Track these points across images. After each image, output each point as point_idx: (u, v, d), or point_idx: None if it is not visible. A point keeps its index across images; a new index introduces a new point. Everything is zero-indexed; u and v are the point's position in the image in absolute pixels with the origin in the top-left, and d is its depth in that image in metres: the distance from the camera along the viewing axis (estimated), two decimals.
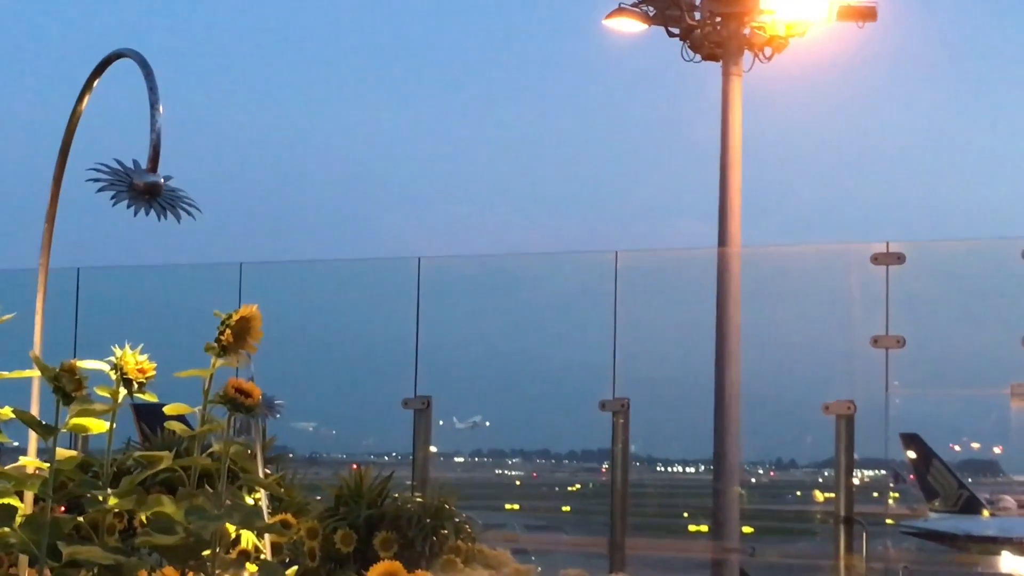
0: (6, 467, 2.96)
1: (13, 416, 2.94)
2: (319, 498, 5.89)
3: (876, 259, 7.71)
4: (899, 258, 7.60)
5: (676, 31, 14.30)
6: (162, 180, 2.86)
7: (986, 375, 8.42)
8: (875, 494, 9.57)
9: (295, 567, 3.87)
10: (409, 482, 7.50)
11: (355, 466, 6.38)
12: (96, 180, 2.83)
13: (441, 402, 8.49)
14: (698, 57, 14.35)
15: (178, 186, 2.90)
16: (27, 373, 3.04)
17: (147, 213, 2.83)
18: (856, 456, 7.46)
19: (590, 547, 9.21)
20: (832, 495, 7.61)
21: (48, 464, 2.83)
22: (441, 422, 8.74)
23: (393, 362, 9.32)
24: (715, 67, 14.07)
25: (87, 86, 2.97)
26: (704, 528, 13.85)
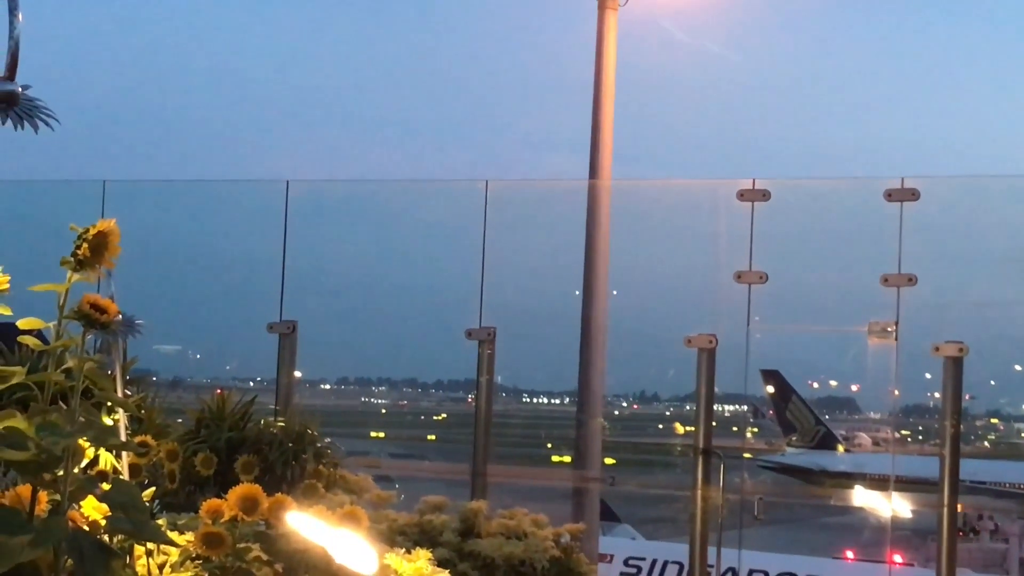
0: None
1: None
2: (180, 421, 5.72)
3: (742, 195, 7.66)
4: (764, 195, 7.50)
5: None
6: (20, 89, 2.83)
7: (846, 313, 8.47)
8: (734, 428, 9.85)
9: (153, 488, 3.90)
10: (273, 407, 7.27)
11: (219, 391, 6.23)
12: None
13: (306, 328, 8.24)
14: None
15: (36, 96, 2.83)
16: None
17: (3, 123, 2.76)
18: (716, 390, 7.44)
19: (453, 475, 9.06)
20: (692, 428, 7.60)
21: None
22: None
23: (260, 287, 8.98)
24: (588, 2, 14.08)
25: None
26: (567, 459, 14.23)
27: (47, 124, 2.84)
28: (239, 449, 5.50)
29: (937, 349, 6.63)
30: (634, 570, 15.62)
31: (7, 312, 2.92)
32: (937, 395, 6.75)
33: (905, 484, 9.55)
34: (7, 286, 2.90)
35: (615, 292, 11.45)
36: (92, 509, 3.04)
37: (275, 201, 8.55)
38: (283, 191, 8.52)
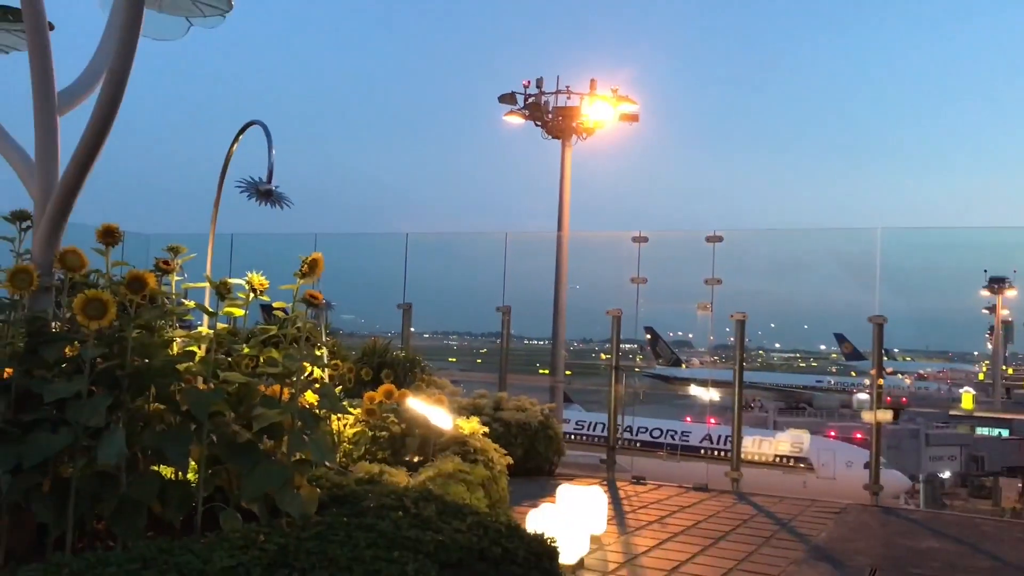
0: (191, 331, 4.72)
1: (194, 306, 4.71)
2: (353, 353, 8.50)
3: (633, 239, 12.24)
4: (644, 239, 12.15)
5: (539, 123, 26.62)
6: (274, 187, 4.70)
7: (686, 296, 13.15)
8: (631, 356, 15.14)
9: (340, 386, 5.84)
10: (400, 346, 11.44)
11: (373, 338, 10.08)
12: (239, 186, 4.62)
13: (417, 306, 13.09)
14: (549, 137, 26.29)
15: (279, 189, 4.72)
16: (203, 284, 4.87)
17: (265, 206, 4.68)
18: (622, 336, 11.89)
19: (489, 380, 13.37)
20: (610, 356, 11.72)
21: (213, 330, 4.53)
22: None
23: (394, 283, 13.66)
24: (557, 143, 25.74)
25: (235, 139, 4.82)
26: (546, 371, 22.04)
27: (289, 204, 4.70)
28: (383, 366, 8.04)
29: (732, 316, 10.84)
30: (581, 427, 26.30)
31: (266, 299, 4.72)
32: (732, 339, 11.08)
33: (715, 384, 19.80)
34: (267, 285, 4.62)
35: (577, 286, 19.73)
36: (310, 395, 4.68)
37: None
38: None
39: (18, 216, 4.26)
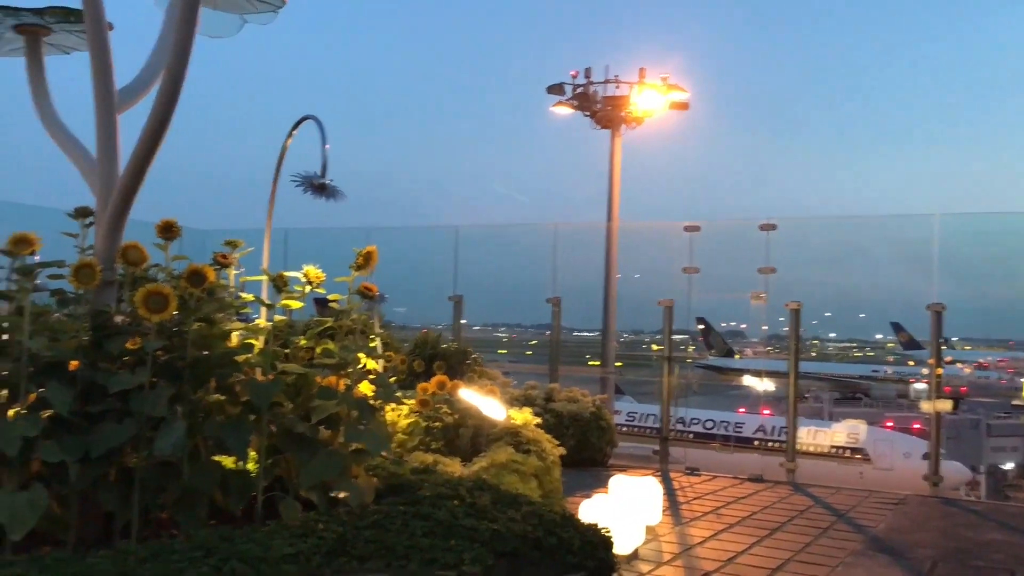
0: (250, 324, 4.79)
1: (252, 299, 4.80)
2: (406, 344, 8.62)
3: (685, 228, 12.14)
4: (697, 228, 11.97)
5: (588, 113, 26.68)
6: (328, 181, 4.75)
7: (739, 286, 13.20)
8: (683, 347, 15.18)
9: (393, 378, 5.83)
10: (451, 337, 11.64)
11: (424, 330, 10.51)
12: (294, 180, 4.69)
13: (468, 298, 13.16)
14: (598, 127, 26.45)
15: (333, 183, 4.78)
16: (260, 277, 4.96)
17: (321, 199, 4.74)
18: (673, 327, 11.87)
19: (540, 371, 13.19)
20: (661, 347, 11.73)
21: (270, 322, 4.64)
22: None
23: (443, 276, 13.74)
24: (606, 133, 26.14)
25: (289, 134, 4.90)
26: (597, 363, 22.08)
27: (344, 198, 4.74)
28: (435, 358, 8.11)
29: (786, 305, 10.74)
30: (632, 419, 26.29)
31: (322, 291, 4.75)
32: (786, 329, 10.83)
33: (769, 374, 20.77)
34: (324, 278, 4.63)
35: (637, 276, 18.76)
36: (365, 387, 4.70)
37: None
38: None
39: (81, 212, 4.36)
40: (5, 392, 3.72)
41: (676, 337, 12.08)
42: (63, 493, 3.74)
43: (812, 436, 26.86)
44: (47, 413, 3.73)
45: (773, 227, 11.22)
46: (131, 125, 4.36)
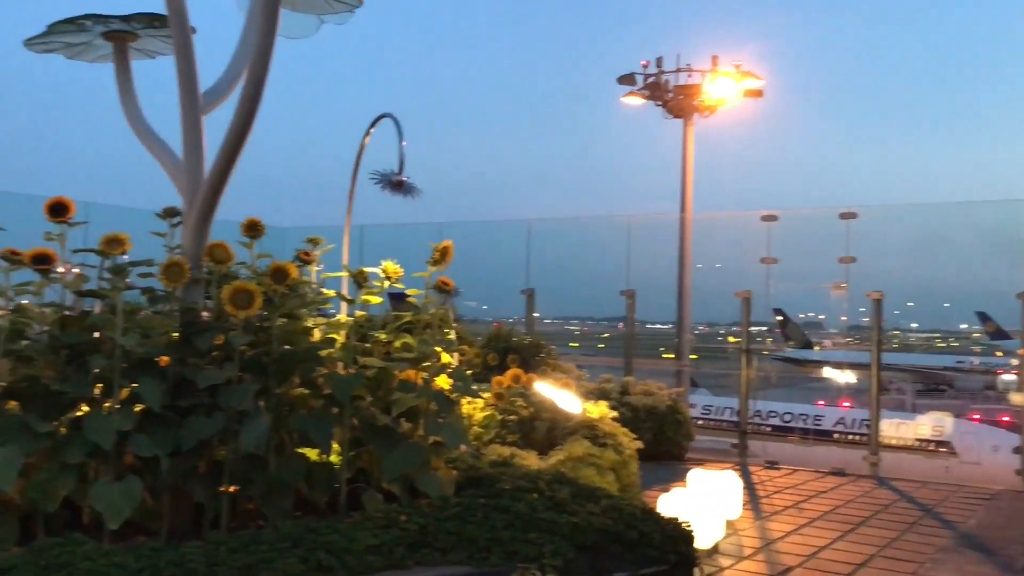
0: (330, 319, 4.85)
1: (334, 295, 4.85)
2: (479, 338, 8.66)
3: (762, 218, 12.11)
4: (773, 218, 11.96)
5: (659, 103, 25.70)
6: (405, 178, 4.84)
7: (818, 276, 13.11)
8: (759, 339, 14.60)
9: (469, 370, 5.91)
10: (524, 330, 11.70)
11: (496, 323, 10.67)
12: (373, 178, 4.78)
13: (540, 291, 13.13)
14: (670, 116, 25.40)
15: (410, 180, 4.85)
16: (340, 273, 5.04)
17: (398, 196, 4.84)
18: (751, 318, 11.70)
19: (614, 364, 12.92)
20: (738, 339, 11.58)
21: (351, 317, 4.71)
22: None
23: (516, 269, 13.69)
24: (678, 123, 25.12)
25: (367, 132, 4.98)
26: (672, 355, 21.17)
27: (420, 194, 4.87)
28: (508, 351, 8.16)
29: (868, 295, 10.54)
30: (707, 412, 24.63)
31: (400, 286, 4.82)
32: (866, 319, 10.78)
33: (849, 366, 20.50)
34: (401, 274, 4.73)
35: (718, 265, 18.31)
36: (443, 381, 4.74)
37: None
38: None
39: (168, 212, 4.49)
40: (100, 387, 3.87)
41: (753, 329, 11.94)
42: (155, 485, 3.87)
43: (895, 429, 26.22)
44: (139, 407, 3.88)
45: (853, 216, 11.05)
46: (214, 126, 4.48)
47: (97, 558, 3.30)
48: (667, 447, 9.74)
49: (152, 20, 4.58)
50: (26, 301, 4.04)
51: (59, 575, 3.18)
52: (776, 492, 8.54)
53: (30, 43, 4.80)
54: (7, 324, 3.82)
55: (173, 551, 3.45)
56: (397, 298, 5.13)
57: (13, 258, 3.92)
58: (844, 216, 11.04)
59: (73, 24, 4.61)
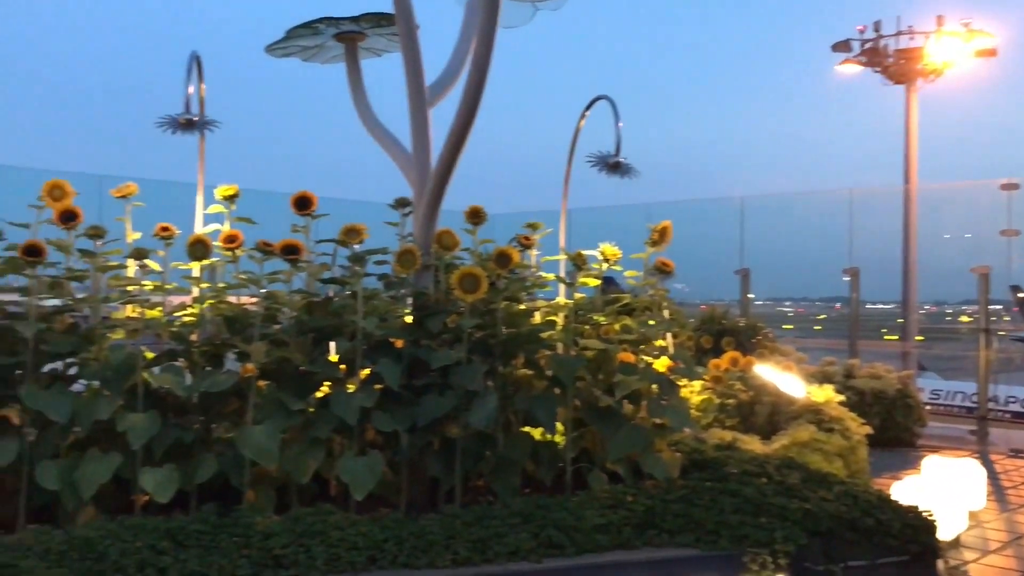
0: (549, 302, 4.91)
1: (554, 278, 4.93)
2: (692, 320, 8.50)
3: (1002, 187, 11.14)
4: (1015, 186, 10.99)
5: (878, 70, 24.12)
6: (622, 159, 4.81)
7: None
8: (993, 318, 13.24)
9: (687, 351, 5.81)
10: (738, 312, 11.01)
11: (704, 305, 10.21)
12: (589, 160, 4.79)
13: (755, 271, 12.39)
14: (891, 83, 23.95)
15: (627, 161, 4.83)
16: (558, 257, 5.12)
17: (619, 177, 4.83)
18: (989, 296, 10.65)
19: (837, 346, 12.30)
20: (972, 318, 11.24)
21: (570, 301, 4.71)
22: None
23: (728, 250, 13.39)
24: (899, 89, 23.50)
25: (582, 115, 5.02)
26: (895, 337, 20.23)
27: (637, 174, 4.81)
28: (723, 334, 8.00)
29: None
30: (937, 397, 22.36)
31: (618, 268, 4.82)
32: None
33: None
34: (620, 256, 4.70)
35: (947, 235, 16.58)
36: (662, 363, 4.66)
37: None
38: None
39: (400, 203, 4.73)
40: (344, 367, 4.15)
41: (990, 308, 11.09)
42: (394, 460, 4.12)
43: None
44: (378, 386, 4.13)
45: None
46: (437, 119, 4.67)
47: (347, 527, 3.55)
48: (896, 433, 9.19)
49: (379, 19, 4.82)
50: (277, 288, 4.39)
51: (314, 541, 3.45)
52: (1023, 483, 7.91)
53: (271, 49, 5.17)
54: (262, 310, 4.16)
55: (413, 523, 3.65)
56: (606, 281, 5.12)
57: (266, 249, 4.27)
58: None
59: (308, 28, 4.92)
